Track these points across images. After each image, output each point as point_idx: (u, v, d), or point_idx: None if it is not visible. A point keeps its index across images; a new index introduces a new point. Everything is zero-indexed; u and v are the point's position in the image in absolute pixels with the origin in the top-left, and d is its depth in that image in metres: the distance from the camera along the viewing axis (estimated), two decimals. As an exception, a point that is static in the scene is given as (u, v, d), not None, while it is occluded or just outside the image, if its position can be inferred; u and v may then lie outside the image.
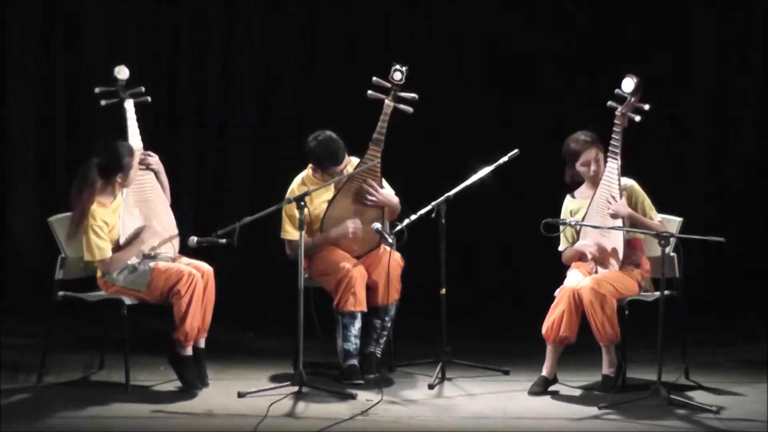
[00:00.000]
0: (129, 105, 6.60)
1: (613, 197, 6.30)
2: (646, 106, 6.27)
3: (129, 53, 8.26)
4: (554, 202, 6.60)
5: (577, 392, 6.32)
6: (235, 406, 5.97)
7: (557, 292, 6.32)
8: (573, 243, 6.49)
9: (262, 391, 6.14)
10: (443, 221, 6.52)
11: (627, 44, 8.48)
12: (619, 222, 6.29)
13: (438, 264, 6.56)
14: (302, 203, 6.22)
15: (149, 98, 6.67)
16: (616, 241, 6.32)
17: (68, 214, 6.48)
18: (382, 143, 6.57)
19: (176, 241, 6.53)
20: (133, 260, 6.34)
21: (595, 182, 6.42)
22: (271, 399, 5.98)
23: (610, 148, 6.31)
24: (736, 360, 7.06)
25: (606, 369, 6.29)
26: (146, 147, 6.57)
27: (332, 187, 6.64)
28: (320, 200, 6.64)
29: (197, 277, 6.27)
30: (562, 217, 6.49)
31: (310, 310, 6.33)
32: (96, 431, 5.63)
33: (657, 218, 6.40)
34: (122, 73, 6.62)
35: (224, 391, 6.24)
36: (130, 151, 6.35)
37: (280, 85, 8.63)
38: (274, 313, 8.06)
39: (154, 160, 6.55)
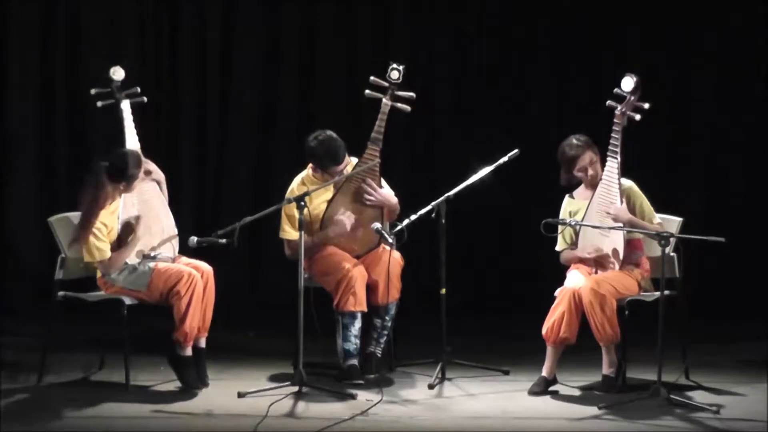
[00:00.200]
0: (125, 106, 6.60)
1: (612, 202, 6.29)
2: (646, 105, 6.28)
3: (129, 53, 8.26)
4: (554, 202, 6.60)
5: (577, 392, 6.32)
6: (235, 406, 5.96)
7: (557, 293, 6.32)
8: (571, 243, 6.49)
9: (262, 391, 6.14)
10: (443, 221, 6.52)
11: (627, 44, 8.49)
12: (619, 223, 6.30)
13: (438, 264, 6.56)
14: (302, 203, 6.22)
15: (145, 99, 6.67)
16: (616, 241, 6.32)
17: (68, 214, 6.50)
18: (380, 142, 6.58)
19: (176, 242, 6.53)
20: (134, 261, 6.34)
21: (593, 185, 6.42)
22: (271, 399, 5.98)
23: (609, 147, 6.31)
24: (736, 360, 7.06)
25: (606, 369, 6.29)
26: (145, 147, 6.56)
27: (332, 187, 6.64)
28: (320, 200, 6.64)
29: (197, 277, 6.27)
30: (561, 217, 6.49)
31: (310, 310, 6.33)
32: (96, 431, 5.63)
33: (656, 220, 6.39)
34: (117, 74, 6.62)
35: (224, 391, 6.24)
36: (138, 162, 6.34)
37: (280, 85, 8.64)
38: (274, 313, 8.05)
39: (154, 168, 6.53)
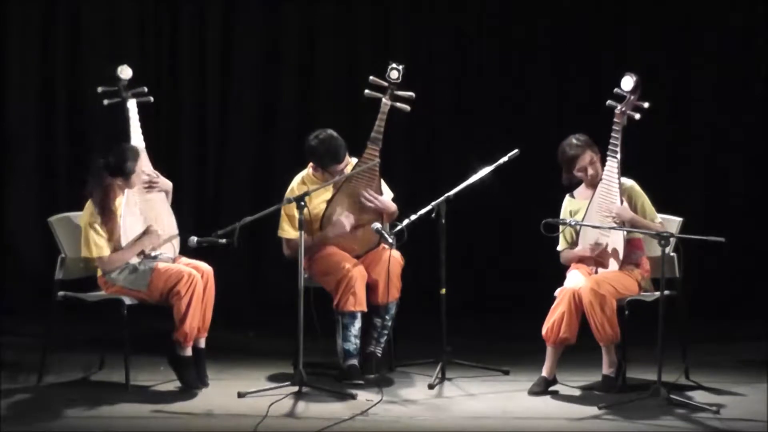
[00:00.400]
0: (132, 105, 6.60)
1: (612, 201, 6.30)
2: (646, 105, 6.28)
3: (129, 53, 8.25)
4: (554, 202, 6.60)
5: (577, 392, 6.32)
6: (235, 406, 5.96)
7: (557, 293, 6.32)
8: (572, 243, 6.49)
9: (262, 391, 6.14)
10: (443, 221, 6.52)
11: (627, 44, 8.49)
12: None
13: (438, 264, 6.56)
14: (302, 203, 6.22)
15: (152, 98, 6.68)
16: (616, 241, 6.32)
17: (68, 214, 6.51)
18: (380, 142, 6.58)
19: (176, 242, 6.52)
20: (134, 260, 6.34)
21: (593, 184, 6.42)
22: (271, 399, 5.98)
23: (609, 147, 6.31)
24: (736, 360, 7.05)
25: (606, 369, 6.29)
26: (146, 147, 6.55)
27: (331, 187, 6.64)
28: (320, 200, 6.63)
29: (197, 277, 6.27)
30: (561, 217, 6.49)
31: (310, 310, 6.33)
32: (96, 431, 5.63)
33: (658, 220, 6.40)
34: (125, 72, 6.62)
35: (224, 391, 6.23)
36: (135, 156, 6.34)
37: (280, 85, 8.64)
38: (274, 313, 8.05)
39: (163, 180, 6.53)
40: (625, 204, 6.32)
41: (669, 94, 8.49)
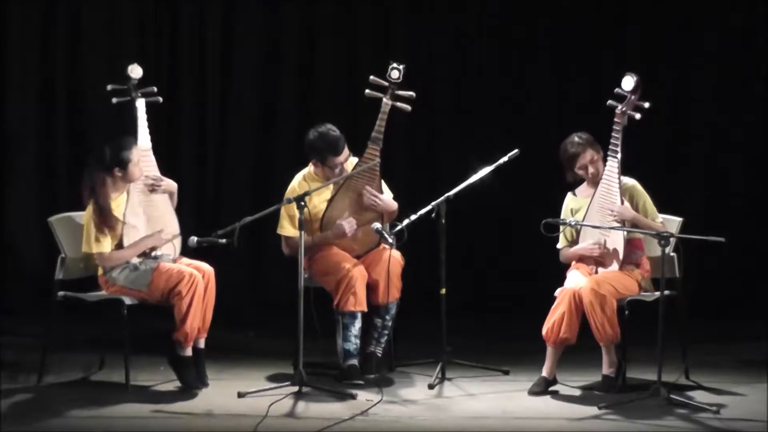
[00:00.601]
0: (140, 104, 6.58)
1: (612, 201, 6.30)
2: (646, 104, 6.28)
3: (129, 53, 8.25)
4: (554, 202, 6.60)
5: (577, 392, 6.32)
6: (235, 406, 5.96)
7: (557, 293, 6.32)
8: (572, 242, 6.49)
9: (262, 391, 6.14)
10: (443, 221, 6.52)
11: (627, 44, 8.49)
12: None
13: (438, 264, 6.56)
14: (302, 203, 6.22)
15: (161, 99, 6.66)
16: (616, 240, 6.32)
17: (68, 214, 6.51)
18: (380, 142, 6.58)
19: (178, 242, 6.52)
20: (135, 260, 6.34)
21: (595, 182, 6.43)
22: (271, 399, 5.98)
23: (610, 146, 6.31)
24: (736, 360, 7.05)
25: (606, 369, 6.29)
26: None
27: (332, 186, 6.64)
28: (320, 199, 6.63)
29: (198, 278, 6.26)
30: (562, 214, 6.50)
31: (310, 310, 6.33)
32: (96, 431, 5.63)
33: (659, 220, 6.40)
34: (135, 71, 6.61)
35: (224, 391, 6.23)
36: (129, 145, 6.33)
37: (280, 85, 8.64)
38: (274, 313, 8.05)
39: (167, 181, 6.53)
40: (627, 203, 6.33)
41: (669, 94, 8.49)
